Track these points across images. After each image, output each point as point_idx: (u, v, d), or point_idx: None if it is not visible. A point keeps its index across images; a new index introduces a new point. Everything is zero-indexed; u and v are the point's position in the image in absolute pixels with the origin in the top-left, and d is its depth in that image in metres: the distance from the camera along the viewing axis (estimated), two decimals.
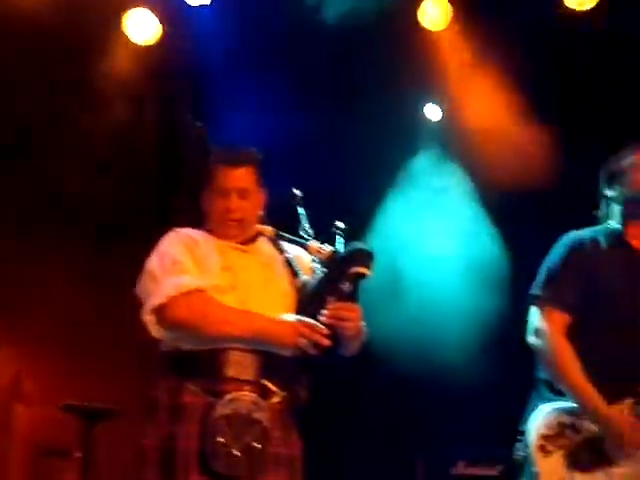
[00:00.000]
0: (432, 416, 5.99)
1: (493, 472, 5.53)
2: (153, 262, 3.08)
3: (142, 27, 5.52)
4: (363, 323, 3.10)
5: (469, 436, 5.60)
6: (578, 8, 5.25)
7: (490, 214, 5.94)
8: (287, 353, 3.00)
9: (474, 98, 5.69)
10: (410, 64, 5.53)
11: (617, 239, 3.45)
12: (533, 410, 3.34)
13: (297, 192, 3.24)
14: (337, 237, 3.08)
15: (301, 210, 3.22)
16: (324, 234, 3.13)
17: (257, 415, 2.92)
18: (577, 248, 3.42)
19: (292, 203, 3.23)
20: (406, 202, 6.03)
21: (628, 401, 3.26)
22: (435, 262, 5.97)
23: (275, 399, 2.99)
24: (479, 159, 5.75)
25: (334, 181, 5.62)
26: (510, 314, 4.01)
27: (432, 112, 6.07)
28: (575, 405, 3.27)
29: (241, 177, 3.17)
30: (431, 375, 5.99)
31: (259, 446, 2.90)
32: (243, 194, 3.16)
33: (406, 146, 5.98)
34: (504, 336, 4.54)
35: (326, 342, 2.94)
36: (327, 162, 5.69)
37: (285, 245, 3.25)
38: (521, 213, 5.72)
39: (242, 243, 3.19)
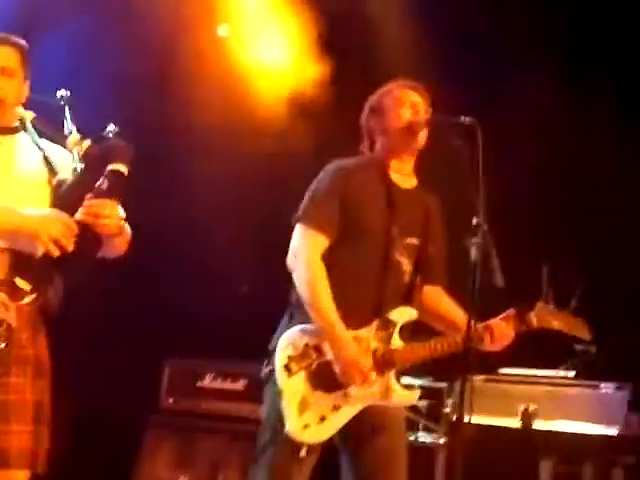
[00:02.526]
0: (181, 326, 6.01)
1: (238, 387, 5.65)
2: None
3: None
4: (124, 222, 3.05)
5: (219, 349, 5.68)
6: None
7: None
8: (38, 252, 2.91)
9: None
10: None
11: (379, 172, 3.54)
12: (283, 330, 3.42)
13: (64, 92, 3.14)
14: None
15: (67, 110, 3.11)
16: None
17: (3, 315, 2.83)
18: (341, 176, 3.50)
19: (58, 104, 3.13)
20: None
21: (374, 323, 3.40)
22: None
23: (25, 300, 2.90)
24: None
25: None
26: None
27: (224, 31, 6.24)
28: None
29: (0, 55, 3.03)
30: (186, 283, 6.02)
31: (4, 346, 2.84)
32: (3, 71, 3.02)
33: None
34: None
35: (69, 247, 2.87)
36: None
37: (45, 143, 3.14)
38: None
39: None
